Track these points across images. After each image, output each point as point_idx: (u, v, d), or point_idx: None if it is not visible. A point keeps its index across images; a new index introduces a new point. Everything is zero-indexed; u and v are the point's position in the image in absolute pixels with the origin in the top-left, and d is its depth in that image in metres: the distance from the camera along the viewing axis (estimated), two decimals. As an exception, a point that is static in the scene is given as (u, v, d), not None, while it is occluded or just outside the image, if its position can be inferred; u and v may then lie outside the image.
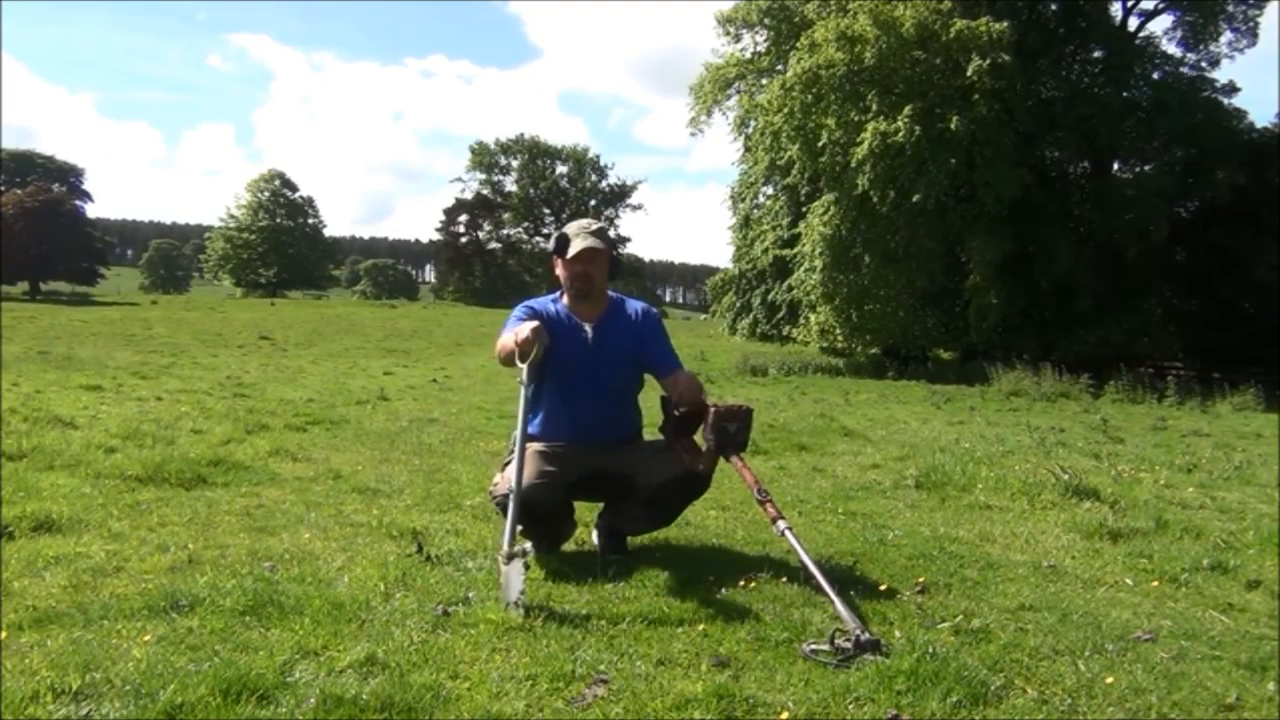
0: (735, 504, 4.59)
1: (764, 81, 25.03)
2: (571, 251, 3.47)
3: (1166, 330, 21.75)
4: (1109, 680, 2.40)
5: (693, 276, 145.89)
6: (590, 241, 3.48)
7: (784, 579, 3.16)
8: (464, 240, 68.57)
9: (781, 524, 3.11)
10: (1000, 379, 16.86)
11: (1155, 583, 3.44)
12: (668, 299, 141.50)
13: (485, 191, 68.45)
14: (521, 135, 68.49)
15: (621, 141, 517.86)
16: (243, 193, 66.93)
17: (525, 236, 69.44)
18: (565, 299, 3.64)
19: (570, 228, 3.56)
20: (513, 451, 3.22)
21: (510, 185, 68.84)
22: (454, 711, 2.14)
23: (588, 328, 3.55)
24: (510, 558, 2.79)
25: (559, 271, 3.60)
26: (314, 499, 4.55)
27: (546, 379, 3.52)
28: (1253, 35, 23.30)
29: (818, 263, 20.78)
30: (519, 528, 3.01)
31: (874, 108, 19.63)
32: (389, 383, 12.63)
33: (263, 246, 64.27)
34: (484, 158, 68.00)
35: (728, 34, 26.93)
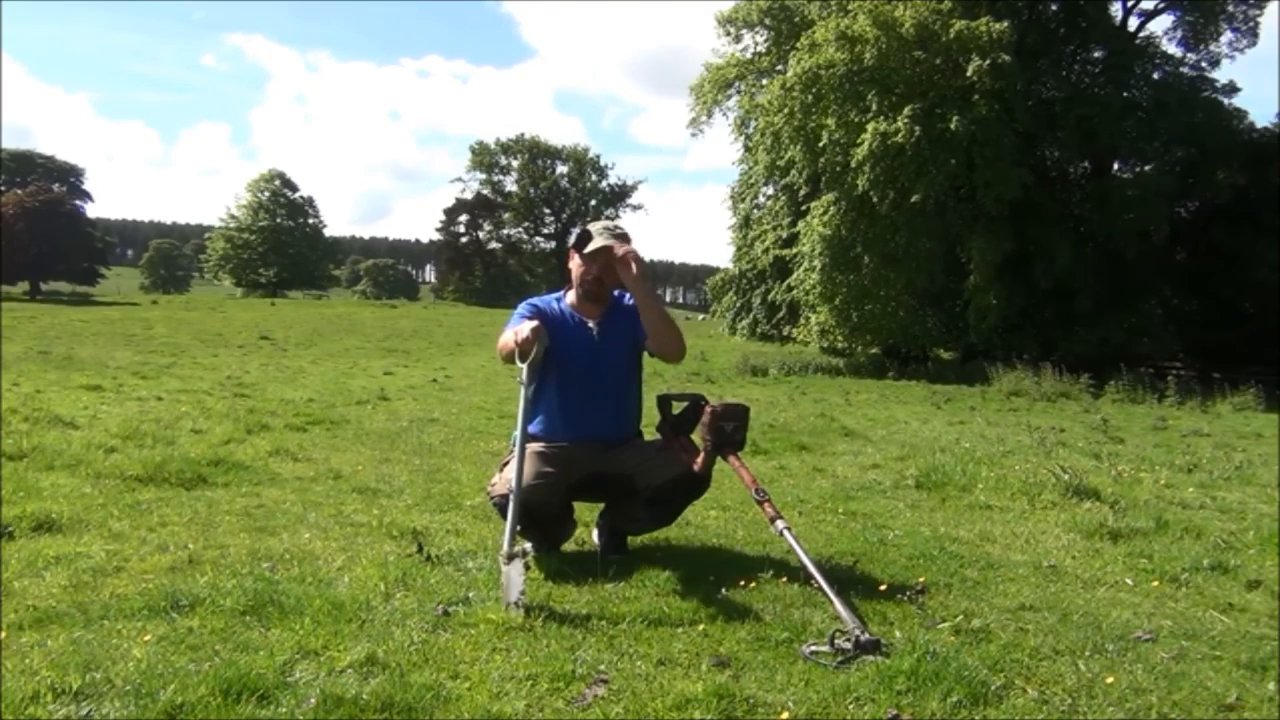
0: (735, 504, 4.58)
1: (764, 82, 25.03)
2: (590, 248, 3.47)
3: (1166, 330, 21.74)
4: (1109, 680, 2.40)
5: (693, 276, 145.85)
6: (614, 241, 3.49)
7: (784, 579, 3.16)
8: (464, 240, 68.52)
9: (780, 523, 3.11)
10: (1000, 379, 16.87)
11: (1155, 583, 3.44)
12: (668, 299, 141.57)
13: (485, 191, 68.43)
14: (522, 135, 68.53)
15: (617, 141, 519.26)
16: (243, 192, 66.99)
17: (525, 236, 69.52)
18: (570, 297, 3.63)
19: (593, 226, 3.57)
20: (512, 451, 3.22)
21: (510, 185, 68.85)
22: (454, 711, 2.13)
23: (592, 325, 3.54)
24: (510, 558, 2.79)
25: (574, 267, 3.58)
26: (314, 499, 4.55)
27: (548, 378, 3.51)
28: (1253, 35, 23.34)
29: (817, 263, 20.78)
30: (519, 527, 3.01)
31: (874, 108, 19.64)
32: (389, 383, 12.62)
33: (263, 246, 64.21)
34: (484, 158, 67.95)
35: (728, 34, 26.99)
